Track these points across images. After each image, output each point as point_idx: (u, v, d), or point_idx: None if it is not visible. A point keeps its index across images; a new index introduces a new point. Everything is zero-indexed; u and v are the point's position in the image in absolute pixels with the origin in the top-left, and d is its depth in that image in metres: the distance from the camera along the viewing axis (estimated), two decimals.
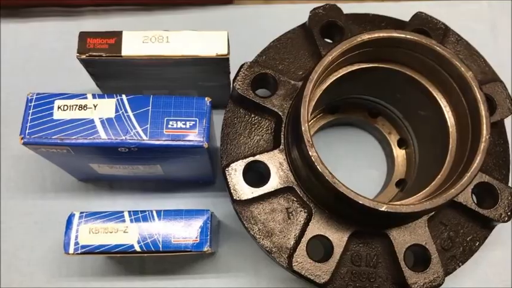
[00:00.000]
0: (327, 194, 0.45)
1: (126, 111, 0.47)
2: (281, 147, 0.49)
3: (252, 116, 0.52)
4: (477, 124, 0.44)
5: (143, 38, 0.51)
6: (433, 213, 0.48)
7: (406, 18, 0.54)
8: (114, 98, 0.48)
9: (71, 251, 0.48)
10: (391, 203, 0.42)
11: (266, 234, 0.48)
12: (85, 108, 0.47)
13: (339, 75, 0.50)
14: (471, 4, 0.70)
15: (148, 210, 0.49)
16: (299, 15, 0.55)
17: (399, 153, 0.60)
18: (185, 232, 0.49)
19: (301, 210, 0.49)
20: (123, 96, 0.48)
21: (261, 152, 0.50)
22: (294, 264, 0.46)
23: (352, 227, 0.48)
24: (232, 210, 0.50)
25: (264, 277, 0.59)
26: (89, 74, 0.55)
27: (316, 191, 0.47)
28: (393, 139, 0.61)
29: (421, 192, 0.48)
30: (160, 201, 0.62)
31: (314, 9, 0.53)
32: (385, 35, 0.45)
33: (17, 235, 0.60)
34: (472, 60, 0.53)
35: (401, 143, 0.61)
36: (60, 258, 0.59)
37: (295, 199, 0.49)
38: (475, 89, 0.44)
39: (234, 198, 0.48)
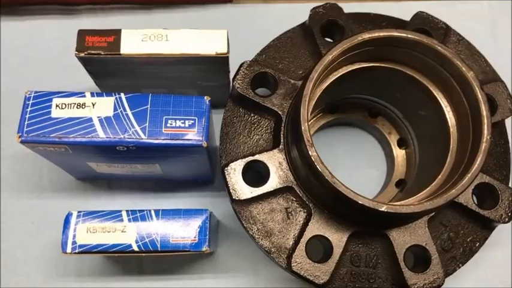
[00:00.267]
0: (326, 194, 0.45)
1: (124, 109, 0.47)
2: (280, 146, 0.49)
3: (252, 115, 0.52)
4: (478, 124, 0.43)
5: (142, 36, 0.51)
6: (433, 213, 0.48)
7: (407, 18, 0.53)
8: (112, 96, 0.47)
9: (69, 250, 0.47)
10: (391, 203, 0.42)
11: (265, 234, 0.48)
12: (83, 106, 0.47)
13: (339, 75, 0.50)
14: (471, 4, 0.70)
15: (146, 210, 0.49)
16: (298, 14, 0.55)
17: (399, 153, 0.60)
18: (184, 232, 0.48)
19: (300, 210, 0.49)
20: (122, 95, 0.47)
21: (260, 152, 0.49)
22: (293, 264, 0.46)
23: (352, 227, 0.47)
24: (231, 210, 0.50)
25: (263, 277, 0.59)
26: (88, 72, 0.54)
27: (316, 191, 0.47)
28: (393, 139, 0.61)
29: (422, 193, 0.47)
30: (159, 200, 0.61)
31: (314, 8, 0.53)
32: (386, 34, 0.45)
33: (14, 234, 0.60)
34: (473, 60, 0.53)
35: (401, 143, 0.60)
36: (57, 257, 0.59)
37: (294, 199, 0.49)
38: (476, 88, 0.43)
39: (233, 197, 0.48)
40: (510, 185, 0.51)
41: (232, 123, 0.52)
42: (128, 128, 0.46)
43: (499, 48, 0.68)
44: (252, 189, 0.48)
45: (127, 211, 0.49)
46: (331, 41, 0.53)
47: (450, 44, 0.53)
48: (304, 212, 0.49)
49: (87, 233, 0.48)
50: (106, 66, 0.53)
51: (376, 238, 0.48)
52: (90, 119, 0.46)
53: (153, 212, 0.49)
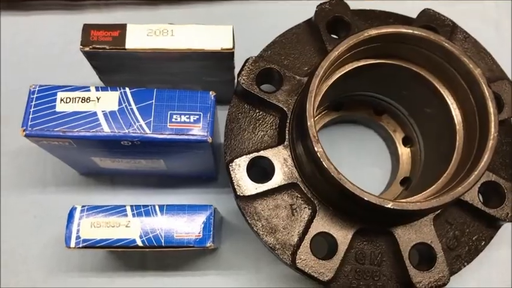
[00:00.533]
0: (332, 190, 0.44)
1: (129, 104, 0.47)
2: (285, 143, 0.49)
3: (257, 111, 0.52)
4: (485, 121, 0.43)
5: (147, 31, 0.50)
6: (439, 211, 0.48)
7: (412, 16, 0.53)
8: (117, 91, 0.47)
9: (73, 245, 0.47)
10: (397, 200, 0.42)
11: (270, 231, 0.48)
12: (88, 100, 0.47)
13: (345, 71, 0.49)
14: (476, 3, 0.70)
15: (150, 205, 0.49)
16: (303, 11, 0.55)
17: (404, 151, 0.60)
18: (188, 227, 0.48)
19: (305, 207, 0.48)
20: (127, 89, 0.47)
21: (265, 148, 0.49)
22: (297, 261, 0.46)
23: (357, 225, 0.47)
24: (235, 206, 0.50)
25: (265, 275, 0.59)
26: (92, 67, 0.54)
27: (321, 188, 0.47)
28: (398, 137, 0.60)
29: (427, 190, 0.47)
30: (162, 196, 0.61)
31: (320, 4, 0.52)
32: (393, 30, 0.44)
33: (16, 229, 0.60)
34: (479, 57, 0.52)
35: (406, 141, 0.60)
36: (60, 252, 0.58)
37: (299, 195, 0.49)
38: (484, 86, 0.43)
39: (238, 194, 0.47)
40: None
41: (237, 119, 0.51)
42: (132, 122, 0.46)
43: (504, 47, 0.68)
44: (257, 185, 0.48)
45: (131, 206, 0.49)
46: (337, 37, 0.53)
47: (456, 42, 0.52)
48: (309, 209, 0.48)
49: (91, 228, 0.47)
50: (111, 61, 0.52)
51: (381, 235, 0.48)
52: (95, 113, 0.46)
53: (157, 207, 0.49)
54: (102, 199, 0.60)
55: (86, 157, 0.52)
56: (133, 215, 0.48)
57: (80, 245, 0.47)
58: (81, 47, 0.50)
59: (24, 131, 0.46)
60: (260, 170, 0.49)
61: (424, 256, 0.48)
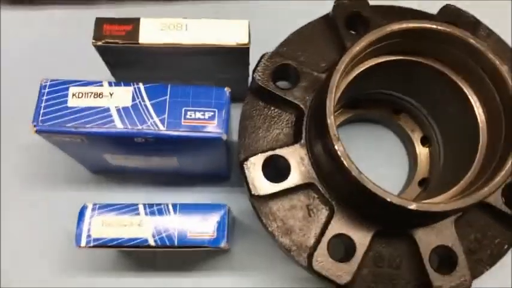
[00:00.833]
0: (351, 190, 0.43)
1: (143, 100, 0.46)
2: (302, 141, 0.48)
3: (272, 108, 0.50)
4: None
5: (161, 26, 0.49)
6: (460, 213, 0.46)
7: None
8: (130, 86, 0.46)
9: (83, 244, 0.46)
10: (420, 201, 0.40)
11: (285, 232, 0.47)
12: (101, 96, 0.45)
13: (364, 67, 0.48)
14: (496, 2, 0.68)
15: (164, 204, 0.48)
16: (319, 8, 0.53)
17: (422, 152, 0.58)
18: (202, 227, 0.47)
19: (322, 208, 0.47)
20: (140, 85, 0.46)
21: (280, 147, 0.48)
22: (314, 263, 0.45)
23: (376, 226, 0.46)
24: (247, 206, 0.49)
25: (279, 276, 0.58)
26: (105, 62, 0.53)
27: (339, 188, 0.45)
28: (416, 137, 0.59)
29: (449, 192, 0.46)
30: (173, 195, 0.60)
31: None
32: (416, 25, 0.43)
33: (26, 227, 0.59)
34: (503, 55, 0.51)
35: (424, 141, 0.58)
36: (69, 251, 0.57)
37: (316, 196, 0.47)
38: (510, 83, 0.42)
39: (252, 193, 0.46)
40: None
41: (252, 117, 0.50)
42: (146, 119, 0.45)
43: None
44: (273, 184, 0.46)
45: (144, 205, 0.47)
46: (355, 33, 0.52)
47: (479, 39, 0.50)
48: (326, 210, 0.47)
49: (102, 226, 0.46)
50: (123, 57, 0.51)
51: (400, 238, 0.47)
52: (108, 109, 0.45)
53: (170, 206, 0.47)
54: (113, 197, 0.59)
55: (97, 154, 0.51)
56: (146, 214, 0.47)
57: (91, 244, 0.46)
58: (93, 41, 0.49)
59: (35, 126, 0.45)
60: (273, 170, 0.48)
61: (444, 259, 0.46)
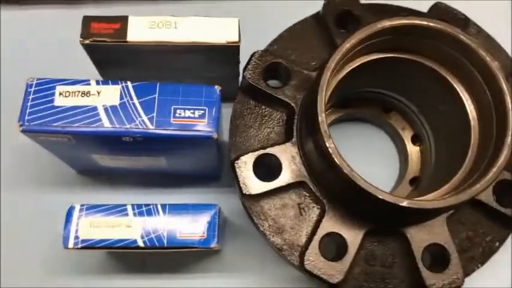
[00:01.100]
0: (342, 188, 0.43)
1: (131, 98, 0.45)
2: (293, 140, 0.47)
3: (263, 107, 0.50)
4: (503, 117, 0.42)
5: (150, 24, 0.49)
6: (452, 211, 0.46)
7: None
8: (118, 84, 0.45)
9: (71, 245, 0.45)
10: (412, 198, 0.40)
11: (277, 231, 0.46)
12: (88, 94, 0.45)
13: (354, 65, 0.48)
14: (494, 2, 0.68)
15: (152, 204, 0.47)
16: (309, 6, 0.53)
17: (413, 150, 0.58)
18: (192, 227, 0.46)
19: (313, 206, 0.47)
20: (128, 83, 0.45)
21: (271, 145, 0.47)
22: (305, 262, 0.44)
23: (367, 225, 0.45)
24: (238, 206, 0.48)
25: (270, 276, 0.57)
26: (93, 61, 0.52)
27: (331, 186, 0.45)
28: (407, 135, 0.59)
29: (440, 189, 0.45)
30: (162, 196, 0.59)
31: None
32: (407, 22, 0.43)
33: (13, 229, 0.58)
34: (493, 52, 0.51)
35: (415, 139, 0.58)
36: (57, 253, 0.56)
37: (307, 194, 0.47)
38: (501, 80, 0.42)
39: (244, 192, 0.46)
40: None
41: (243, 116, 0.50)
42: (134, 117, 0.44)
43: None
44: (264, 183, 0.46)
45: (132, 205, 0.47)
46: (345, 32, 0.51)
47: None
48: (317, 208, 0.47)
49: (90, 228, 0.45)
50: (111, 55, 0.50)
51: (392, 236, 0.46)
52: (95, 108, 0.44)
53: (159, 207, 0.47)
54: (100, 198, 0.58)
55: (85, 154, 0.50)
56: (135, 215, 0.46)
57: (79, 246, 0.45)
58: (81, 39, 0.48)
59: (21, 126, 0.44)
60: (264, 169, 0.47)
61: (437, 257, 0.46)
